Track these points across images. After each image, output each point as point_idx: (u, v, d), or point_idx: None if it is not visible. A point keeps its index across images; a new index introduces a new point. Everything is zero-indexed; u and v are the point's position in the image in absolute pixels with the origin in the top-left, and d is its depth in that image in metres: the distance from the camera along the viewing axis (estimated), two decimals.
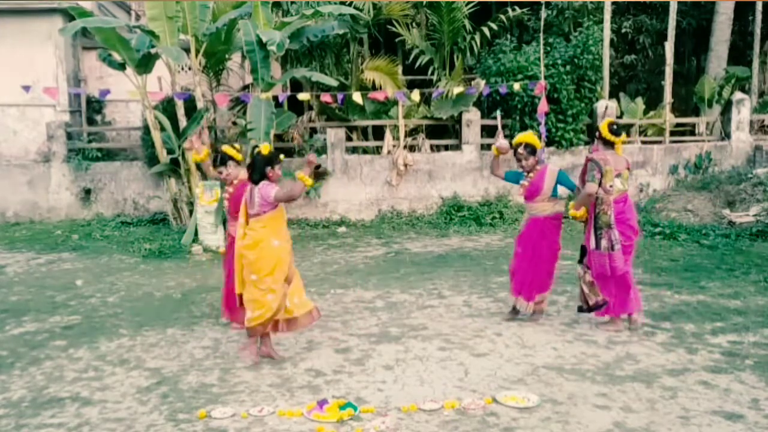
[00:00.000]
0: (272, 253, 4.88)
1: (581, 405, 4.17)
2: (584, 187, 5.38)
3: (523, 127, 12.34)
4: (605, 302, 5.50)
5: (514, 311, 6.00)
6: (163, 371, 4.90)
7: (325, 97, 10.93)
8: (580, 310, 5.71)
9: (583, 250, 5.61)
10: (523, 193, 5.87)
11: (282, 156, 5.16)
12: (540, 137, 11.78)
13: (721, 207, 11.32)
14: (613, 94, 13.87)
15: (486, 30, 13.25)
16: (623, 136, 5.57)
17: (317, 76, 11.13)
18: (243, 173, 5.65)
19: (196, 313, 6.48)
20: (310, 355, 5.19)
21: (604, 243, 5.41)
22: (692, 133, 13.82)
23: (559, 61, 12.04)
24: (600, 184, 5.29)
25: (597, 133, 5.55)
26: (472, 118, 12.34)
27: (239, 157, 5.78)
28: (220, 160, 5.75)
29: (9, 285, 7.89)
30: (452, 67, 13.23)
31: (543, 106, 11.28)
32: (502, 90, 11.53)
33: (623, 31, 15.10)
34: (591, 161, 5.36)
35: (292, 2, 12.77)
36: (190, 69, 12.11)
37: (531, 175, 5.80)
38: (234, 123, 12.56)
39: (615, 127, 5.52)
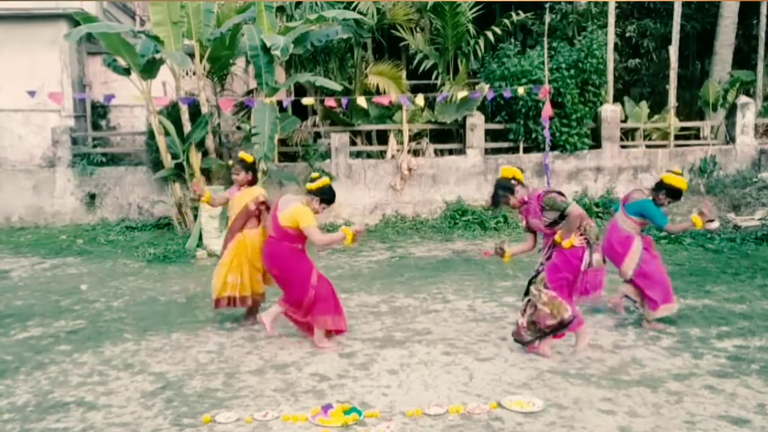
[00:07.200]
0: None
1: (586, 410, 4.16)
2: (570, 210, 4.85)
3: (527, 132, 12.35)
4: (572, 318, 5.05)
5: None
6: (168, 376, 4.90)
7: (329, 102, 10.95)
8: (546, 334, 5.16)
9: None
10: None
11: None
12: (544, 141, 11.85)
13: (726, 211, 11.28)
14: (618, 98, 13.85)
15: (490, 34, 13.25)
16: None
17: (321, 81, 11.16)
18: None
19: (201, 318, 6.48)
20: (315, 359, 5.18)
21: (596, 257, 5.07)
22: (697, 137, 13.78)
23: (563, 66, 12.06)
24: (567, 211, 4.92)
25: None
26: (476, 122, 12.34)
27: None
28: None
29: (14, 289, 7.91)
30: (456, 72, 13.24)
31: (547, 111, 11.29)
32: (506, 94, 11.55)
33: (627, 35, 15.08)
34: (546, 195, 4.96)
35: (296, 7, 12.81)
36: (194, 74, 12.18)
37: None
38: (238, 128, 12.62)
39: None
